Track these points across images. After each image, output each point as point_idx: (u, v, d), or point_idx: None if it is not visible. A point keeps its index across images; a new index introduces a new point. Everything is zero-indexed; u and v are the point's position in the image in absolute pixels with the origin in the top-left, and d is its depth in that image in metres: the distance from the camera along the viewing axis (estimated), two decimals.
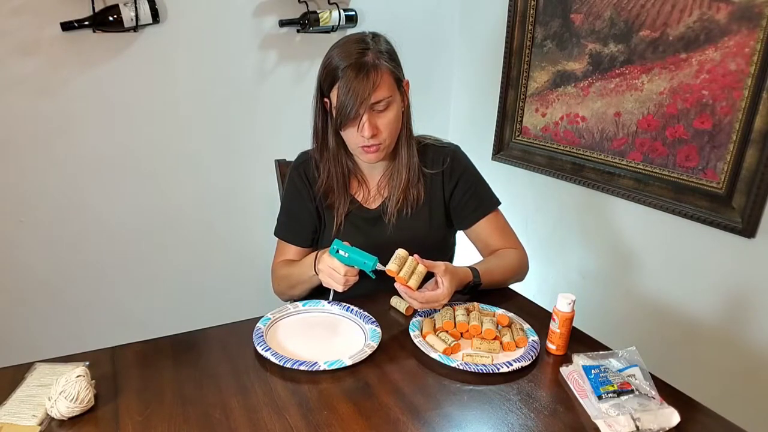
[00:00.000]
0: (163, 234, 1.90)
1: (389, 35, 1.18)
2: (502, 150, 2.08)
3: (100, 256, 1.84)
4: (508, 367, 0.94)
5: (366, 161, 1.20)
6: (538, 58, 1.86)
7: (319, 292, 1.24)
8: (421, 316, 1.10)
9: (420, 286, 1.06)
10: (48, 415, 0.81)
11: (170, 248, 1.93)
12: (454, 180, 1.27)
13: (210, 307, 2.03)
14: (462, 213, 1.29)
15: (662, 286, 1.59)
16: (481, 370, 0.94)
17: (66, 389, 0.80)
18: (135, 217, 1.85)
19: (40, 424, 0.80)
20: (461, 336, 1.05)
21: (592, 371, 0.89)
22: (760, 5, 1.26)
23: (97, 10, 1.56)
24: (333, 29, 1.89)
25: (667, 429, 0.82)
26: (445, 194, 1.28)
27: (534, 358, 0.98)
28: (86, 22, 1.55)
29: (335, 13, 1.84)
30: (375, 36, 1.15)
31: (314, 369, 0.93)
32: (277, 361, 0.94)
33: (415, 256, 1.06)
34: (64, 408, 0.80)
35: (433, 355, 0.98)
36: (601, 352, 0.95)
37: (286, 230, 1.32)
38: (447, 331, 1.04)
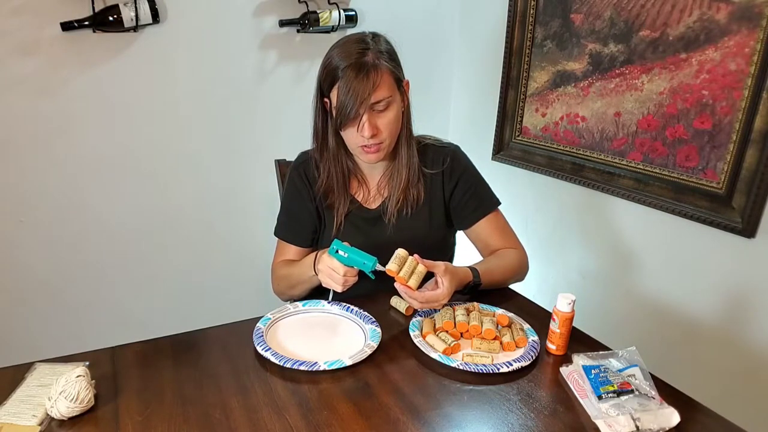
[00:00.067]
0: (163, 234, 1.91)
1: (389, 35, 1.18)
2: (502, 150, 2.08)
3: (100, 256, 1.84)
4: (508, 367, 0.95)
5: (366, 161, 1.20)
6: (538, 58, 1.86)
7: (319, 292, 1.24)
8: (421, 316, 1.10)
9: (420, 286, 1.06)
10: (48, 415, 0.81)
11: (170, 248, 1.93)
12: (454, 180, 1.27)
13: (210, 307, 2.03)
14: (462, 213, 1.29)
15: (662, 286, 1.59)
16: (481, 370, 0.94)
17: (66, 389, 0.80)
18: (135, 217, 1.85)
19: (40, 424, 0.80)
20: (461, 336, 1.05)
21: (592, 371, 0.89)
22: (760, 5, 1.26)
23: (97, 10, 1.56)
24: (333, 29, 1.89)
25: (667, 429, 0.82)
26: (445, 194, 1.28)
27: (534, 358, 0.98)
28: (86, 22, 1.55)
29: (335, 13, 1.84)
30: (375, 36, 1.15)
31: (314, 369, 0.93)
32: (277, 361, 0.94)
33: (415, 256, 1.06)
34: (64, 408, 0.80)
35: (433, 355, 0.98)
36: (601, 352, 0.95)
37: (286, 230, 1.32)
38: (447, 331, 1.04)
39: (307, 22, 1.81)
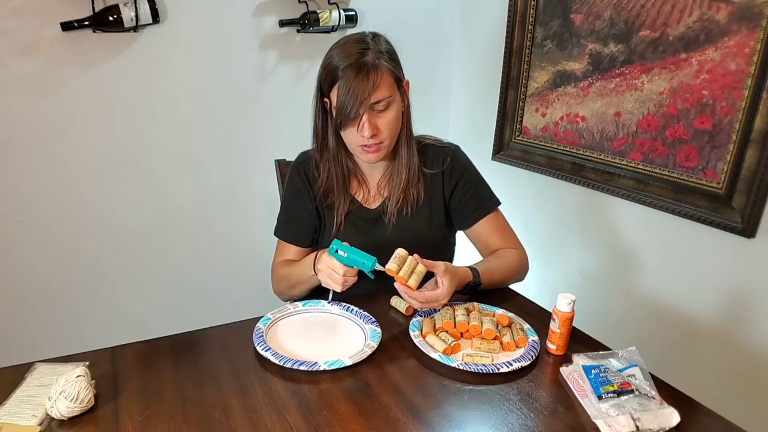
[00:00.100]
0: (163, 234, 1.90)
1: (389, 35, 1.18)
2: (502, 150, 2.08)
3: (100, 256, 1.84)
4: (508, 367, 0.94)
5: (366, 161, 1.20)
6: (538, 58, 1.86)
7: (318, 292, 1.24)
8: (421, 316, 1.10)
9: (420, 286, 1.06)
10: (48, 415, 0.81)
11: (170, 248, 1.93)
12: (454, 180, 1.27)
13: (210, 307, 2.03)
14: (462, 213, 1.29)
15: (662, 286, 1.59)
16: (481, 370, 0.94)
17: (66, 389, 0.80)
18: (135, 217, 1.85)
19: (40, 424, 0.80)
20: (461, 336, 1.05)
21: (592, 371, 0.89)
22: (760, 5, 1.26)
23: (97, 10, 1.56)
24: (333, 29, 1.89)
25: (667, 429, 0.82)
26: (445, 194, 1.28)
27: (534, 358, 0.98)
28: (86, 22, 1.55)
29: (335, 13, 1.84)
30: (375, 36, 1.15)
31: (314, 369, 0.93)
32: (277, 361, 0.94)
33: (415, 255, 1.06)
34: (64, 408, 0.80)
35: (433, 355, 0.97)
36: (601, 352, 0.95)
37: (286, 230, 1.32)
38: (447, 331, 1.04)
39: (307, 22, 1.81)
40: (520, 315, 1.12)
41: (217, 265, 2.02)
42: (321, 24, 1.82)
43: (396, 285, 1.06)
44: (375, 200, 1.28)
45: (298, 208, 1.29)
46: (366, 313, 1.10)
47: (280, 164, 1.55)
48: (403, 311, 1.14)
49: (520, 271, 1.27)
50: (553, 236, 1.94)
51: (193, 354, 0.99)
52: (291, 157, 1.36)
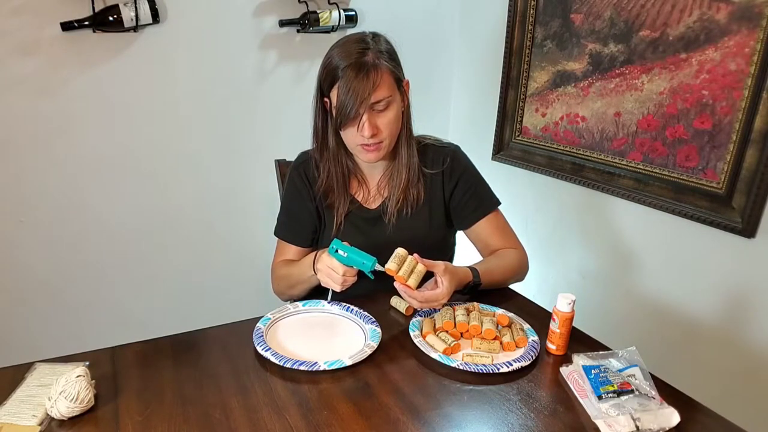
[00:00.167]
0: (163, 234, 1.90)
1: (389, 35, 1.18)
2: (502, 150, 2.08)
3: (100, 256, 1.84)
4: (508, 367, 0.94)
5: (365, 161, 1.20)
6: (538, 58, 1.86)
7: (318, 292, 1.23)
8: (421, 316, 1.10)
9: (419, 286, 1.06)
10: (48, 415, 0.81)
11: (170, 248, 1.93)
12: (454, 180, 1.27)
13: (210, 307, 2.03)
14: (462, 213, 1.29)
15: (662, 286, 1.59)
16: (481, 370, 0.94)
17: (66, 389, 0.80)
18: (135, 217, 1.85)
19: (40, 424, 0.80)
20: (461, 336, 1.05)
21: (592, 371, 0.89)
22: (760, 5, 1.26)
23: (97, 10, 1.56)
24: (333, 29, 1.89)
25: (667, 429, 0.82)
26: (445, 194, 1.28)
27: (534, 358, 0.98)
28: (86, 22, 1.55)
29: (335, 13, 1.84)
30: (375, 36, 1.15)
31: (314, 369, 0.93)
32: (277, 361, 0.94)
33: (415, 255, 1.06)
34: (64, 408, 0.80)
35: (433, 355, 0.97)
36: (601, 352, 0.95)
37: (286, 230, 1.32)
38: (447, 331, 1.03)
39: (307, 22, 1.81)
40: (520, 315, 1.12)
41: (217, 265, 2.02)
42: (321, 24, 1.82)
43: (396, 284, 1.06)
44: (375, 200, 1.28)
45: (298, 208, 1.29)
46: (366, 313, 1.10)
47: (280, 164, 1.55)
48: (403, 311, 1.14)
49: (520, 271, 1.27)
50: (553, 236, 1.94)
51: (193, 354, 0.99)
52: (291, 157, 1.36)
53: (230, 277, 2.05)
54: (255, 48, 1.86)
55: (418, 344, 1.00)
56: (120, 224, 1.83)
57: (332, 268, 1.07)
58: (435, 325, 1.07)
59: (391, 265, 1.03)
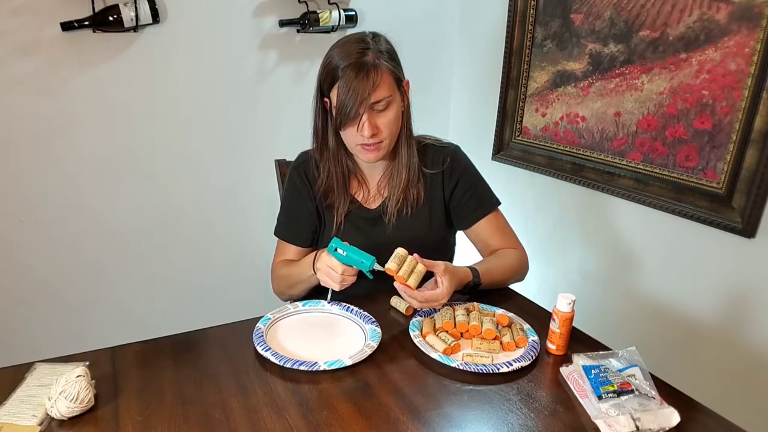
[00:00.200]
0: (163, 234, 1.90)
1: (389, 35, 1.18)
2: (502, 150, 2.08)
3: (100, 256, 1.84)
4: (508, 367, 0.94)
5: (365, 160, 1.20)
6: (538, 58, 1.86)
7: (318, 292, 1.23)
8: (421, 316, 1.10)
9: (419, 286, 1.06)
10: (48, 415, 0.81)
11: (170, 248, 1.93)
12: (454, 180, 1.27)
13: (210, 307, 2.03)
14: (462, 213, 1.29)
15: (662, 286, 1.59)
16: (481, 370, 0.94)
17: (66, 389, 0.80)
18: (135, 217, 1.85)
19: (40, 424, 0.80)
20: (461, 336, 1.05)
21: (592, 371, 0.89)
22: (760, 5, 1.26)
23: (97, 10, 1.56)
24: (333, 29, 1.89)
25: (667, 429, 0.82)
26: (445, 194, 1.28)
27: (534, 358, 0.98)
28: (86, 22, 1.55)
29: (335, 13, 1.84)
30: (375, 36, 1.15)
31: (314, 369, 0.93)
32: (277, 361, 0.94)
33: (415, 255, 1.06)
34: (64, 408, 0.80)
35: (433, 355, 0.97)
36: (601, 352, 0.95)
37: (286, 230, 1.32)
38: (447, 331, 1.03)
39: (307, 22, 1.81)
40: (520, 315, 1.12)
41: (217, 265, 2.02)
42: (321, 24, 1.82)
43: (396, 284, 1.06)
44: (375, 200, 1.28)
45: (298, 208, 1.29)
46: (366, 313, 1.10)
47: (280, 164, 1.55)
48: (403, 311, 1.14)
49: (520, 271, 1.27)
50: (553, 236, 1.94)
51: (193, 354, 0.99)
52: (291, 157, 1.36)
53: (230, 277, 2.05)
54: (255, 48, 1.86)
55: (418, 344, 1.00)
56: (120, 224, 1.83)
57: (331, 267, 1.07)
58: (435, 325, 1.07)
59: (391, 265, 1.03)
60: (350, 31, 1.89)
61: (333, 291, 1.10)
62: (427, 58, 2.19)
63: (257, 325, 1.05)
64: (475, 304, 1.14)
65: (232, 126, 1.90)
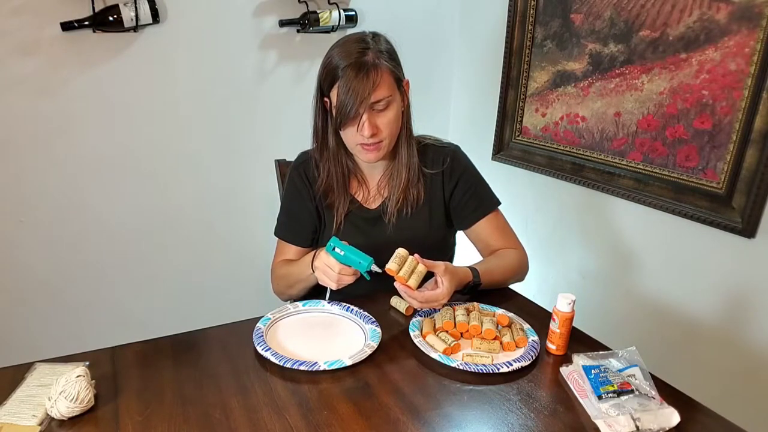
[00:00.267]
0: (163, 234, 1.91)
1: (389, 35, 1.18)
2: (502, 150, 2.08)
3: (100, 256, 1.84)
4: (508, 367, 0.94)
5: (365, 160, 1.20)
6: (538, 58, 1.86)
7: (318, 293, 1.24)
8: (421, 316, 1.10)
9: (420, 286, 1.06)
10: (48, 415, 0.81)
11: (170, 248, 1.93)
12: (454, 180, 1.27)
13: (210, 307, 2.03)
14: (462, 213, 1.29)
15: (662, 286, 1.59)
16: (481, 370, 0.94)
17: (66, 389, 0.80)
18: (135, 217, 1.85)
19: (40, 424, 0.80)
20: (461, 336, 1.05)
21: (592, 371, 0.89)
22: (760, 5, 1.26)
23: (97, 10, 1.56)
24: (333, 29, 1.89)
25: (667, 429, 0.82)
26: (445, 194, 1.28)
27: (534, 358, 0.98)
28: (86, 22, 1.55)
29: (335, 13, 1.84)
30: (375, 36, 1.15)
31: (314, 369, 0.93)
32: (277, 361, 0.94)
33: (415, 255, 1.06)
34: (64, 408, 0.80)
35: (433, 355, 0.97)
36: (601, 352, 0.95)
37: (286, 230, 1.32)
38: (447, 331, 1.03)
39: (307, 22, 1.81)
40: (520, 315, 1.12)
41: (217, 265, 2.02)
42: (321, 24, 1.82)
43: (396, 285, 1.06)
44: (375, 200, 1.28)
45: (298, 208, 1.29)
46: (366, 313, 1.10)
47: (280, 164, 1.55)
48: (403, 311, 1.14)
49: (520, 271, 1.27)
50: (553, 236, 1.94)
51: (193, 354, 0.99)
52: (291, 157, 1.36)
53: (230, 277, 2.05)
54: (255, 48, 1.86)
55: (418, 344, 1.00)
56: (120, 224, 1.83)
57: (329, 265, 1.07)
58: (435, 325, 1.07)
59: (391, 266, 1.03)
60: (350, 31, 1.88)
61: (332, 290, 1.10)
62: (427, 58, 2.19)
63: (257, 325, 1.05)
64: (475, 304, 1.14)
65: (232, 126, 1.90)
